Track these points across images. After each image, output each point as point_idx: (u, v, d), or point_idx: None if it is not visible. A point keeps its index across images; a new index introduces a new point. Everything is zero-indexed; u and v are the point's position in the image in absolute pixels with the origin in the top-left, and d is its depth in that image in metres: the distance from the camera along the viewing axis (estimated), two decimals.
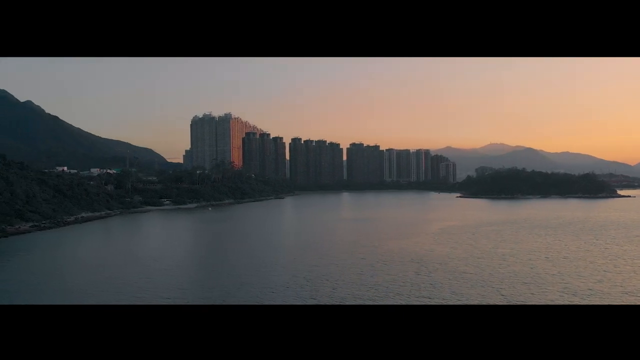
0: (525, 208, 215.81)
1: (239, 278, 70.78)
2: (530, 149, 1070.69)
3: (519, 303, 55.37)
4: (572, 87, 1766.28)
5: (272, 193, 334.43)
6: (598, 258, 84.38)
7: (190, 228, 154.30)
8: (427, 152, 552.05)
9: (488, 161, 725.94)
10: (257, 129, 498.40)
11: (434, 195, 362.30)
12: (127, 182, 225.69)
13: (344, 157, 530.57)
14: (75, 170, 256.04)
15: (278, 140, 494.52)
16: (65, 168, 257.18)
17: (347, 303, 56.25)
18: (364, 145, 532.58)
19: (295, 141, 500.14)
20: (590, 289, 62.27)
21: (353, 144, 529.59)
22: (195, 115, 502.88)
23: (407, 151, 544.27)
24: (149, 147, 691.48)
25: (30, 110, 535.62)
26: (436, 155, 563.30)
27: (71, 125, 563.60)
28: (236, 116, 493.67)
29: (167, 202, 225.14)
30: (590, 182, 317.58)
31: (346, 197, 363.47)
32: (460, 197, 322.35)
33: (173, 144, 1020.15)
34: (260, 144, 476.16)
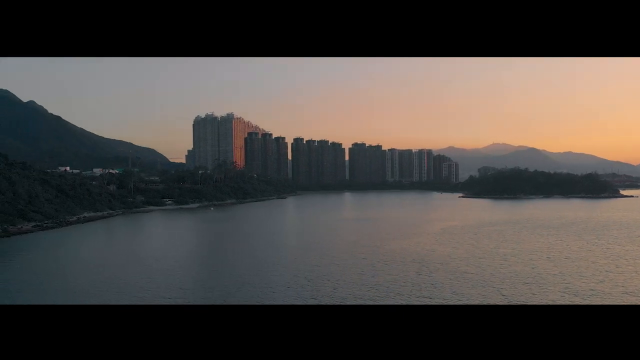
0: (528, 208, 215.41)
1: (240, 278, 70.83)
2: (533, 149, 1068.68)
3: (519, 303, 55.31)
4: (574, 87, 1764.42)
5: (274, 193, 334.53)
6: (600, 258, 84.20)
7: (192, 228, 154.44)
8: (429, 152, 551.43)
9: (491, 161, 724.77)
10: (260, 129, 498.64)
11: (436, 195, 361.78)
12: (130, 182, 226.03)
13: (346, 157, 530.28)
14: (78, 170, 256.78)
15: (280, 140, 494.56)
16: (68, 168, 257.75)
17: (348, 303, 56.26)
18: (366, 145, 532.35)
19: (298, 141, 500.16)
20: (592, 289, 62.15)
21: (355, 144, 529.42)
22: (198, 115, 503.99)
23: (409, 151, 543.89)
24: (151, 147, 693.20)
25: (33, 110, 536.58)
26: (438, 155, 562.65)
27: (74, 125, 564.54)
28: (238, 116, 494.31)
29: (170, 202, 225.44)
30: (593, 182, 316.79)
31: (348, 197, 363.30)
32: (462, 197, 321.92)
33: (175, 144, 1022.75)
34: (262, 144, 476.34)
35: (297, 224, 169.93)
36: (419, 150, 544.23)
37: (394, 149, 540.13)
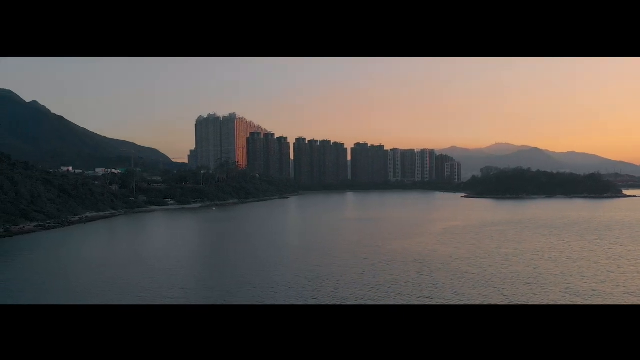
0: (530, 208, 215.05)
1: (241, 278, 70.88)
2: (535, 149, 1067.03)
3: (520, 303, 55.22)
4: (577, 87, 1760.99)
5: (276, 193, 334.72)
6: (602, 258, 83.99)
7: (194, 228, 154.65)
8: (431, 152, 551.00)
9: (493, 161, 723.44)
10: (262, 129, 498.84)
11: (438, 195, 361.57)
12: (132, 182, 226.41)
13: (348, 157, 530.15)
14: (80, 170, 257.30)
15: (282, 140, 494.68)
16: (71, 168, 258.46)
17: (349, 303, 56.25)
18: (369, 145, 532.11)
19: (300, 141, 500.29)
20: (593, 290, 62.01)
21: (357, 144, 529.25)
22: (200, 115, 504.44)
23: (411, 151, 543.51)
24: (154, 147, 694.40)
25: (35, 111, 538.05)
26: (441, 155, 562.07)
27: (76, 125, 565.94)
28: (241, 116, 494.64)
29: (172, 202, 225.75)
30: (596, 182, 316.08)
31: (350, 197, 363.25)
32: (465, 197, 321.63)
33: (178, 144, 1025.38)
34: (264, 144, 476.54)
35: (299, 223, 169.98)
36: (422, 150, 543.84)
37: (396, 149, 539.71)
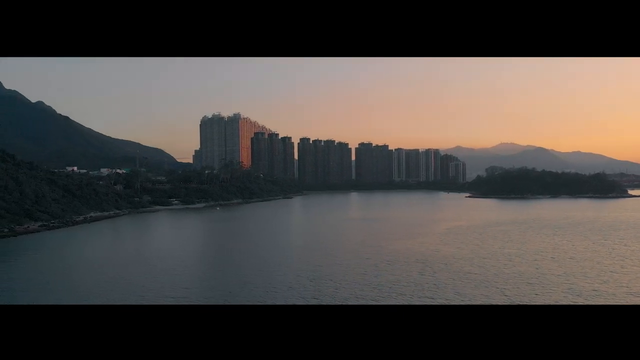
0: (535, 208, 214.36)
1: (243, 278, 70.99)
2: (541, 149, 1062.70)
3: (521, 303, 55.05)
4: (582, 87, 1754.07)
5: (280, 193, 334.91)
6: (605, 259, 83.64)
7: (198, 227, 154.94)
8: (436, 151, 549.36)
9: (498, 161, 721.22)
10: (266, 129, 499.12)
11: (443, 195, 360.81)
12: (136, 182, 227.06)
13: (353, 157, 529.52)
14: (85, 170, 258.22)
15: (286, 140, 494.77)
16: (75, 168, 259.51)
17: (350, 303, 56.22)
18: (373, 145, 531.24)
19: (304, 141, 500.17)
20: (596, 290, 61.76)
21: (362, 144, 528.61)
22: (205, 116, 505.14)
23: (416, 151, 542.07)
24: (159, 147, 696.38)
25: (41, 111, 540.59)
26: (446, 155, 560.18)
27: (82, 125, 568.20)
28: (245, 116, 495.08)
29: (176, 201, 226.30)
30: (601, 182, 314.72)
31: (354, 197, 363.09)
32: (469, 197, 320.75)
33: (183, 144, 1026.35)
34: (268, 144, 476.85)
35: (303, 223, 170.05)
36: (426, 150, 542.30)
37: (400, 149, 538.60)
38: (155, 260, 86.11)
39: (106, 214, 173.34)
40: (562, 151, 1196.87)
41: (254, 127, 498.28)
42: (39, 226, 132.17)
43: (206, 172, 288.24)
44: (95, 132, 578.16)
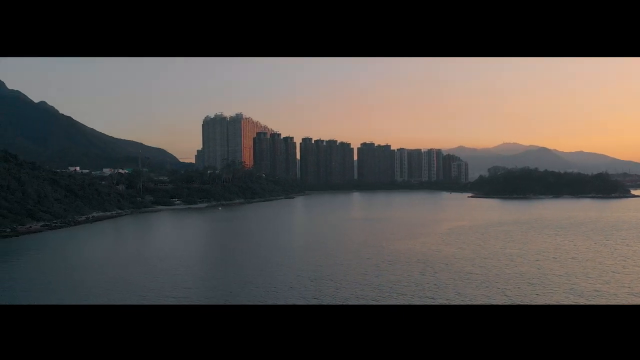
0: (537, 208, 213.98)
1: (245, 278, 71.03)
2: (543, 149, 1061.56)
3: (522, 303, 54.93)
4: (585, 87, 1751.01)
5: (282, 193, 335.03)
6: (607, 259, 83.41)
7: (200, 227, 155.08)
8: (438, 151, 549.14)
9: (501, 161, 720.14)
10: (268, 129, 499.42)
11: (445, 195, 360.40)
12: (139, 182, 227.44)
13: (355, 157, 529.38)
14: (88, 170, 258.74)
15: (289, 140, 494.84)
16: (78, 168, 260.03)
17: (350, 303, 56.19)
18: (375, 145, 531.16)
19: (306, 141, 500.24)
20: (597, 290, 61.59)
21: (364, 144, 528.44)
22: (207, 116, 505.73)
23: (418, 151, 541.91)
24: (161, 147, 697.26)
25: (44, 111, 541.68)
26: (448, 154, 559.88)
27: (84, 125, 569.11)
28: (247, 116, 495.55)
29: (178, 201, 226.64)
30: (604, 182, 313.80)
31: (357, 197, 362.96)
32: (471, 197, 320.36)
33: (185, 144, 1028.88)
34: (271, 144, 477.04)
35: (304, 223, 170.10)
36: (428, 150, 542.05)
37: (403, 149, 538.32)
38: (156, 260, 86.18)
39: (108, 214, 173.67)
40: (565, 151, 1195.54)
41: (256, 127, 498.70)
42: (41, 226, 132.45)
43: (208, 172, 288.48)
44: (98, 132, 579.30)
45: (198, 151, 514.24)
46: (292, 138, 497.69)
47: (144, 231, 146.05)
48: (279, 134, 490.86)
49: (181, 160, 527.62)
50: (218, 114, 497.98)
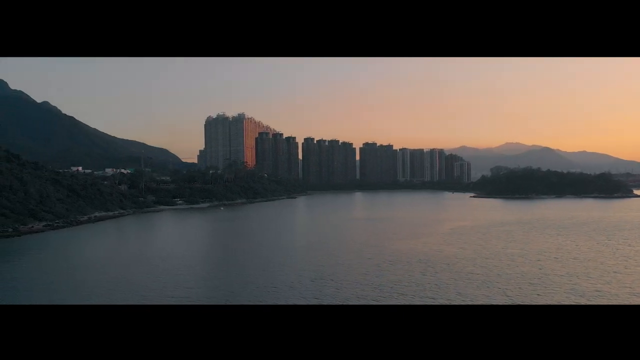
0: (539, 208, 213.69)
1: (246, 278, 71.13)
2: (546, 149, 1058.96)
3: (523, 303, 54.85)
4: (588, 87, 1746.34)
5: (284, 193, 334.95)
6: (609, 259, 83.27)
7: (202, 227, 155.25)
8: (441, 151, 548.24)
9: (504, 161, 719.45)
10: (270, 129, 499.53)
11: (447, 195, 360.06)
12: (141, 182, 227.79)
13: (357, 157, 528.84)
14: (90, 170, 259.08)
15: (291, 140, 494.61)
16: (80, 168, 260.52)
17: (351, 303, 56.19)
18: (377, 144, 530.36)
19: (308, 141, 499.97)
20: (598, 290, 61.49)
21: (366, 144, 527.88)
22: (210, 116, 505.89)
23: (420, 151, 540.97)
24: (164, 147, 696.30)
25: (46, 111, 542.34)
26: (450, 154, 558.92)
27: (87, 125, 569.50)
28: (249, 116, 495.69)
29: (180, 201, 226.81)
30: (606, 182, 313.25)
31: (359, 197, 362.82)
32: (474, 197, 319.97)
33: (188, 144, 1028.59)
34: (273, 144, 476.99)
35: (306, 223, 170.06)
36: (431, 149, 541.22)
37: (405, 149, 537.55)
38: (158, 260, 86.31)
39: (110, 213, 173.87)
40: (568, 151, 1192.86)
41: (258, 127, 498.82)
42: (43, 226, 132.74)
43: (210, 172, 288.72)
44: (101, 132, 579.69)
45: (200, 151, 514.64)
46: (294, 138, 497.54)
47: (146, 231, 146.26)
48: (281, 134, 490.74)
49: (184, 160, 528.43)
50: (220, 114, 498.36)
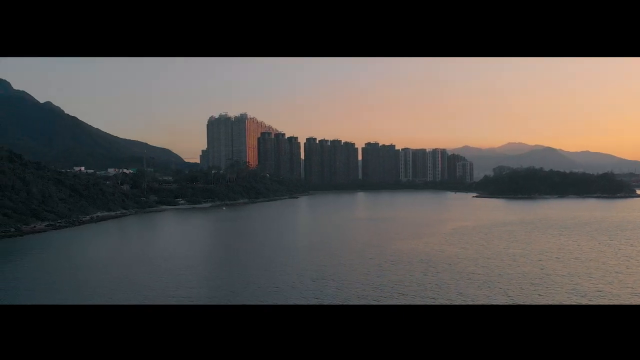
0: (542, 208, 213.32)
1: (247, 278, 71.16)
2: (549, 148, 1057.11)
3: (523, 303, 54.76)
4: (591, 87, 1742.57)
5: (286, 193, 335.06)
6: (611, 259, 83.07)
7: (204, 227, 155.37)
8: (443, 151, 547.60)
9: (506, 160, 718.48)
10: (272, 129, 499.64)
11: (450, 195, 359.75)
12: (143, 181, 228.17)
13: (359, 157, 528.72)
14: (92, 170, 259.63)
15: (293, 140, 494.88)
16: (83, 168, 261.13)
17: (351, 303, 56.18)
18: (380, 144, 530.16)
19: (310, 141, 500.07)
20: (600, 290, 61.35)
21: (368, 144, 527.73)
22: (212, 116, 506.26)
23: (423, 150, 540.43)
24: (167, 147, 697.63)
25: (49, 111, 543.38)
26: (453, 154, 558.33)
27: (90, 125, 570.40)
28: (252, 116, 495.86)
29: (182, 201, 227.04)
30: (609, 182, 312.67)
31: (361, 197, 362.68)
32: (476, 197, 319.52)
33: (191, 144, 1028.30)
34: (275, 144, 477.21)
35: (308, 223, 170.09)
36: (433, 149, 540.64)
37: (407, 149, 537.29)
38: (160, 260, 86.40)
39: (113, 213, 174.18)
40: (571, 151, 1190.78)
41: (261, 127, 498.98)
42: (45, 226, 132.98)
43: (212, 172, 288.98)
44: (103, 132, 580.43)
45: (203, 151, 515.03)
46: (296, 138, 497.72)
47: (148, 231, 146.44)
48: (283, 134, 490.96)
49: (186, 160, 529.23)
50: (222, 114, 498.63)
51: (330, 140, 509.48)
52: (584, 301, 56.38)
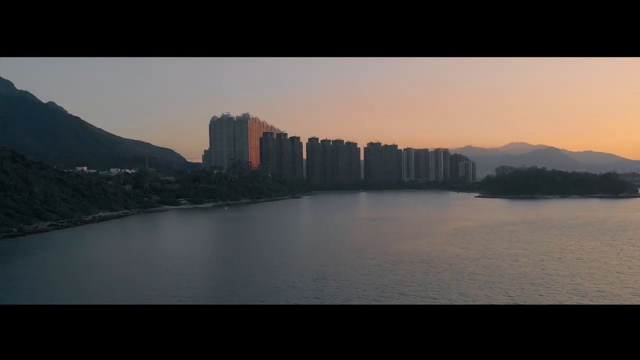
0: (544, 208, 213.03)
1: (248, 278, 71.24)
2: (552, 148, 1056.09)
3: (524, 303, 54.70)
4: (593, 87, 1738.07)
5: (289, 193, 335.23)
6: (612, 259, 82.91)
7: (206, 227, 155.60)
8: (445, 151, 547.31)
9: (509, 160, 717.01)
10: (275, 129, 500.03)
11: (452, 195, 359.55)
12: (145, 181, 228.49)
13: (362, 157, 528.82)
14: (95, 170, 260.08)
15: (295, 140, 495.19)
16: (85, 168, 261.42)
17: (351, 303, 56.19)
18: (382, 144, 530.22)
19: (312, 141, 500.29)
20: (601, 291, 61.24)
21: (370, 144, 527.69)
22: (214, 116, 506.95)
23: (425, 150, 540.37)
24: (169, 147, 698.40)
25: (52, 111, 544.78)
26: (455, 154, 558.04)
27: (92, 125, 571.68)
28: (254, 116, 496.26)
29: (184, 201, 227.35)
30: (612, 182, 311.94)
31: (363, 197, 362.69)
32: (479, 197, 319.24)
33: (193, 144, 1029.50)
34: (277, 144, 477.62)
35: (310, 223, 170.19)
36: (435, 149, 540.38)
37: (409, 149, 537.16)
38: (161, 260, 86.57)
39: (115, 213, 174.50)
40: (574, 151, 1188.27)
41: (263, 127, 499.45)
42: (47, 226, 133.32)
43: (215, 172, 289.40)
44: (106, 132, 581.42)
45: (205, 151, 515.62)
46: (298, 138, 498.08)
47: (150, 231, 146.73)
48: (286, 134, 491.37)
49: (188, 160, 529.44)
50: (225, 114, 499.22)
51: (333, 140, 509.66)
52: (585, 301, 56.31)
